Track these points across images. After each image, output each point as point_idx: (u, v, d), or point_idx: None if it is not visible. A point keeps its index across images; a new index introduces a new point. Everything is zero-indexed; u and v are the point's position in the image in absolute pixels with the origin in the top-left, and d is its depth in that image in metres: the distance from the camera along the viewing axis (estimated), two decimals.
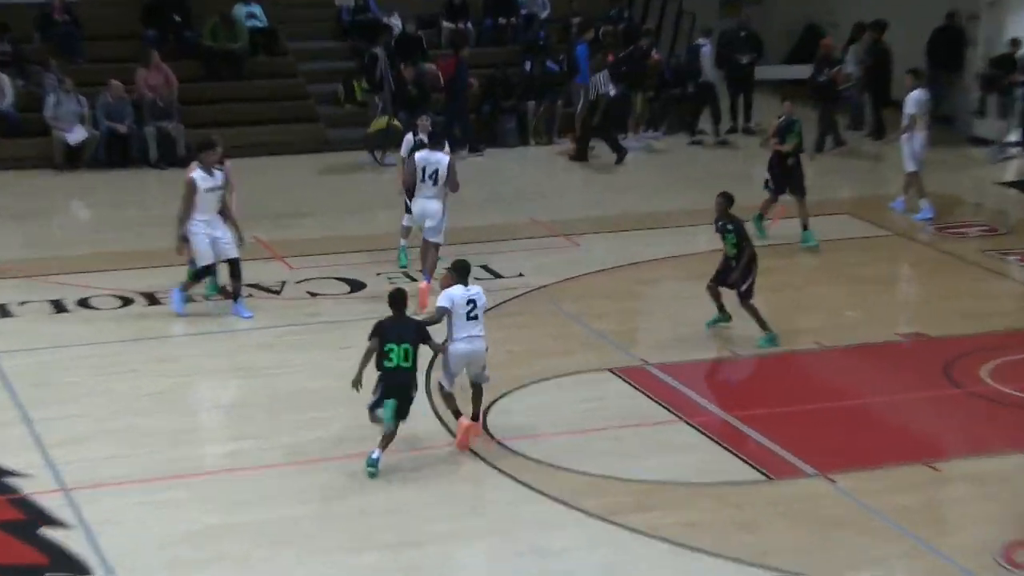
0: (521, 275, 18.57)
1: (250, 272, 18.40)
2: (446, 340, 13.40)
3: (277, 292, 17.86)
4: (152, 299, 17.47)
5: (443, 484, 12.80)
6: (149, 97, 24.07)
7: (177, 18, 25.59)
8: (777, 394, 15.29)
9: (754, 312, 16.16)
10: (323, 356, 15.75)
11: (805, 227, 19.53)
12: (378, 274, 18.46)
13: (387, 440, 12.89)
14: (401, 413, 12.98)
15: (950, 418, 14.56)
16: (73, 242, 20.20)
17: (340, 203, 21.87)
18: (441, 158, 17.27)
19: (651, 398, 14.70)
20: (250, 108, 24.10)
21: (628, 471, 13.02)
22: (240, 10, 25.93)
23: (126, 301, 17.44)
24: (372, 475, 12.78)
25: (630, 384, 15.04)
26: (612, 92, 24.75)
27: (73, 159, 23.73)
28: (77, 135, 23.62)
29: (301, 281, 18.22)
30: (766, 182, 19.82)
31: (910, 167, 20.98)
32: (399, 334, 13.03)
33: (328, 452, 13.30)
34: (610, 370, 15.41)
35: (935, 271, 18.94)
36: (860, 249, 20.08)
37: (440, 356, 13.65)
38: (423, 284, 17.13)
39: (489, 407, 14.25)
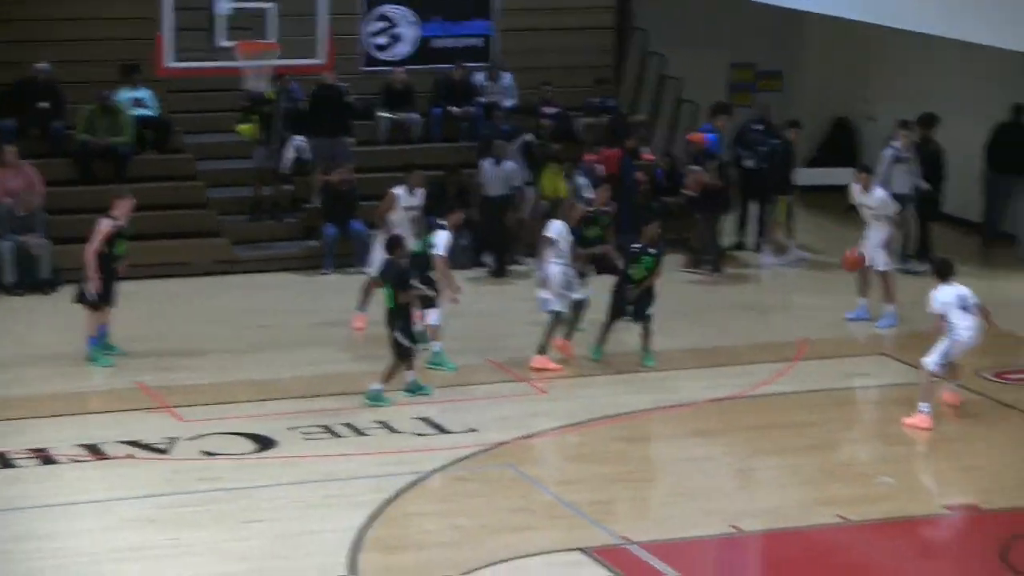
0: (473, 430, 18.99)
1: (130, 426, 18.81)
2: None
3: (164, 451, 18.19)
4: (3, 461, 17.80)
5: None
6: (5, 204, 24.47)
7: (44, 105, 26.02)
8: None
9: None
10: (223, 534, 16.07)
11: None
12: (291, 428, 18.84)
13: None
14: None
15: None
16: None
17: (247, 339, 22.27)
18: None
19: None
20: (136, 218, 24.46)
21: None
22: (124, 96, 26.43)
23: None
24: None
25: (609, 569, 15.36)
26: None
27: None
28: None
29: (195, 437, 18.57)
30: None
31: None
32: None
33: None
34: (583, 550, 15.73)
35: (993, 427, 19.39)
36: (899, 399, 20.55)
37: None
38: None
39: None
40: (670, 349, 21.83)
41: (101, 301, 20.79)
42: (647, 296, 21.26)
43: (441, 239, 21.00)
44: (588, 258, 21.96)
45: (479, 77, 28.37)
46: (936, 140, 26.48)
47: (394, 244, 20.10)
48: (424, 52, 28.57)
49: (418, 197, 22.78)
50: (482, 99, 28.18)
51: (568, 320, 21.40)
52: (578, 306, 21.43)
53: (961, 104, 27.59)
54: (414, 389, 19.94)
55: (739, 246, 26.97)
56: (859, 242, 22.84)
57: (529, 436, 18.90)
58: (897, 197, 24.81)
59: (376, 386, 19.63)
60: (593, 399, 20.05)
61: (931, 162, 26.14)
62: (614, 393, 20.22)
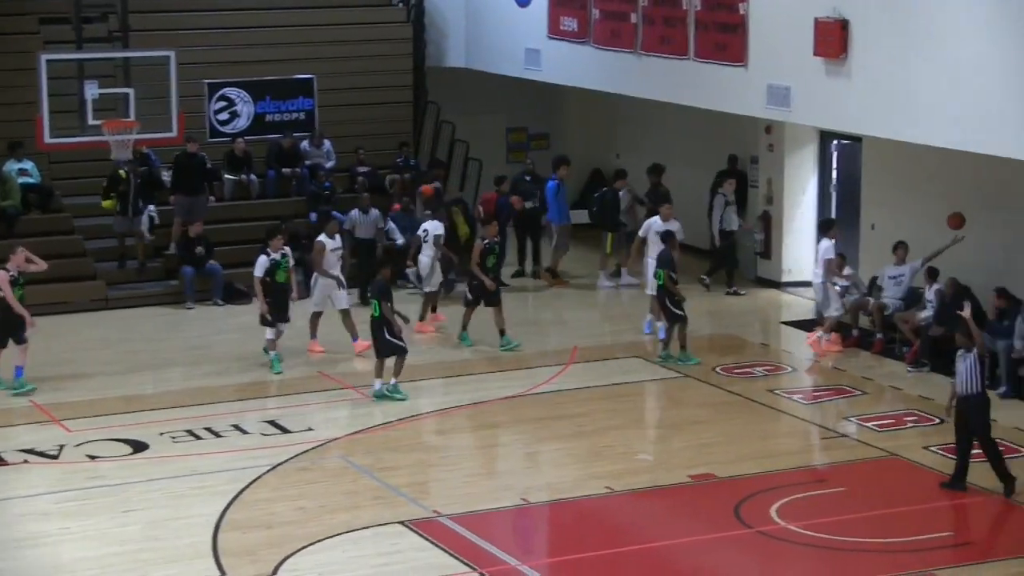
0: (310, 429, 18.77)
1: (25, 437, 18.38)
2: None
3: (54, 457, 17.77)
4: None
5: None
6: None
7: None
8: (570, 540, 15.77)
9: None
10: (106, 522, 15.77)
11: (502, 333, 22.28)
12: (161, 433, 18.51)
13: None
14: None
15: (741, 559, 15.11)
16: None
17: (122, 362, 21.83)
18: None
19: (445, 550, 14.97)
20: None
21: None
22: (11, 167, 25.82)
23: None
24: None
25: (424, 537, 15.30)
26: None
27: None
28: None
29: (80, 444, 18.16)
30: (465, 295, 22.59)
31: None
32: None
33: None
34: (403, 523, 15.66)
35: (724, 412, 19.55)
36: (651, 392, 20.71)
37: None
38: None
39: (279, 566, 14.43)
40: (470, 359, 21.84)
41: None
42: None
43: (260, 262, 21.08)
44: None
45: (304, 144, 28.12)
46: (664, 184, 26.61)
47: (383, 264, 20.80)
48: (259, 125, 28.22)
49: (337, 240, 22.29)
50: (308, 162, 27.94)
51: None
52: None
53: (689, 156, 27.90)
54: (379, 395, 19.73)
55: (519, 273, 26.98)
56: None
57: (356, 433, 18.75)
58: (725, 232, 25.78)
59: (376, 385, 19.69)
60: (408, 401, 19.89)
61: (662, 202, 26.24)
62: (425, 396, 20.11)
